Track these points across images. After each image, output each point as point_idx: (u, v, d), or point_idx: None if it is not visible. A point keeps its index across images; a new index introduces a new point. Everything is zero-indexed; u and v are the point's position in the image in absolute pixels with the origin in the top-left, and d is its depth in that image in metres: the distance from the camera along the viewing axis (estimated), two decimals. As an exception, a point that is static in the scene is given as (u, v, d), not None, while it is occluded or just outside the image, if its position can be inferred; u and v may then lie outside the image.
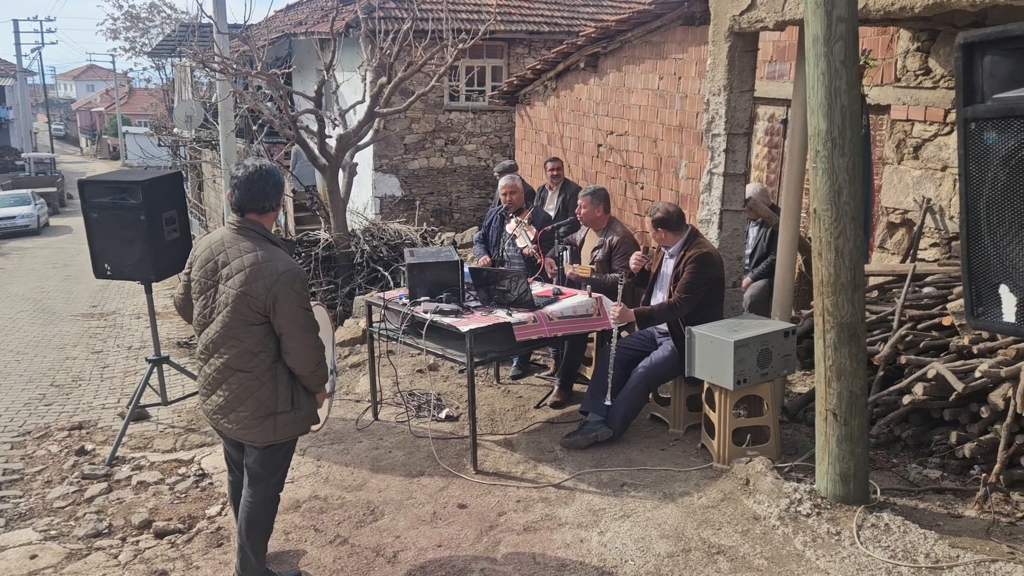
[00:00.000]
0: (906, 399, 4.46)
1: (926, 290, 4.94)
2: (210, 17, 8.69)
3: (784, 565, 3.58)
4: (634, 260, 5.02)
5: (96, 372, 8.47)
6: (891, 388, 4.61)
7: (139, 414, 6.03)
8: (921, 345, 4.61)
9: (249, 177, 3.24)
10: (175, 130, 19.45)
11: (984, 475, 4.03)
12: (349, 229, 9.57)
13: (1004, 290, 1.99)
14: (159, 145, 20.20)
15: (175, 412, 6.38)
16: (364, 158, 12.31)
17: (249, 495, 3.43)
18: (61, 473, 5.31)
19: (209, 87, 18.24)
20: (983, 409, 4.19)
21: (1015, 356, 4.06)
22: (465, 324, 4.59)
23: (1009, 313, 1.99)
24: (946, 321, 4.58)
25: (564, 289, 5.29)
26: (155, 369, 5.83)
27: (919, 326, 4.71)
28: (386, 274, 9.01)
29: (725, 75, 5.06)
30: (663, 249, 5.01)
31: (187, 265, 3.35)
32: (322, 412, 3.98)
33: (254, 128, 13.00)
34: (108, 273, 5.52)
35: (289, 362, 3.20)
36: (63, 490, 4.96)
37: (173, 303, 3.56)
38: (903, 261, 5.64)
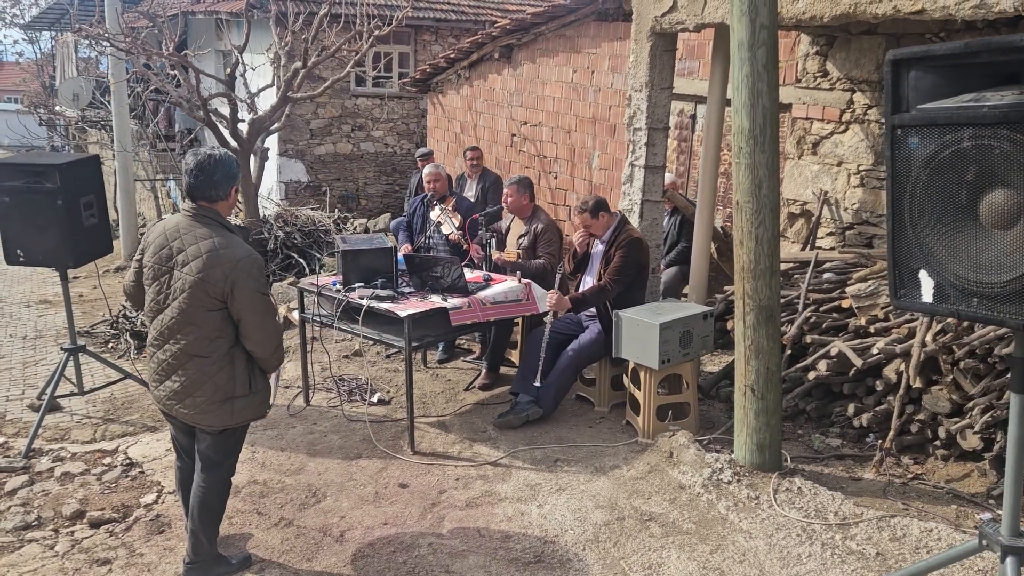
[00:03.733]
0: (811, 375, 4.88)
1: (826, 275, 5.38)
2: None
3: (711, 528, 3.89)
4: (579, 240, 5.20)
5: (-9, 363, 8.05)
6: (797, 365, 5.02)
7: (51, 405, 5.82)
8: (824, 326, 5.05)
9: (198, 165, 3.25)
10: (57, 108, 18.41)
11: (880, 442, 4.48)
12: (260, 215, 9.43)
13: (923, 275, 2.31)
14: (40, 124, 19.05)
15: (89, 402, 6.18)
16: (269, 143, 12.10)
17: (202, 480, 3.46)
18: (-27, 467, 5.09)
19: (96, 64, 17.34)
20: (878, 383, 4.65)
21: (907, 335, 4.53)
22: (403, 309, 4.71)
23: (927, 295, 2.31)
24: (845, 304, 5.03)
25: (493, 275, 5.47)
26: (71, 359, 5.65)
27: (821, 308, 5.15)
28: (300, 260, 8.94)
29: (647, 73, 5.35)
30: (593, 236, 5.26)
31: (139, 251, 3.34)
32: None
33: (149, 111, 12.54)
34: (21, 260, 5.31)
35: (249, 346, 3.25)
36: (-21, 484, 4.78)
37: (123, 289, 3.53)
38: (803, 249, 6.10)
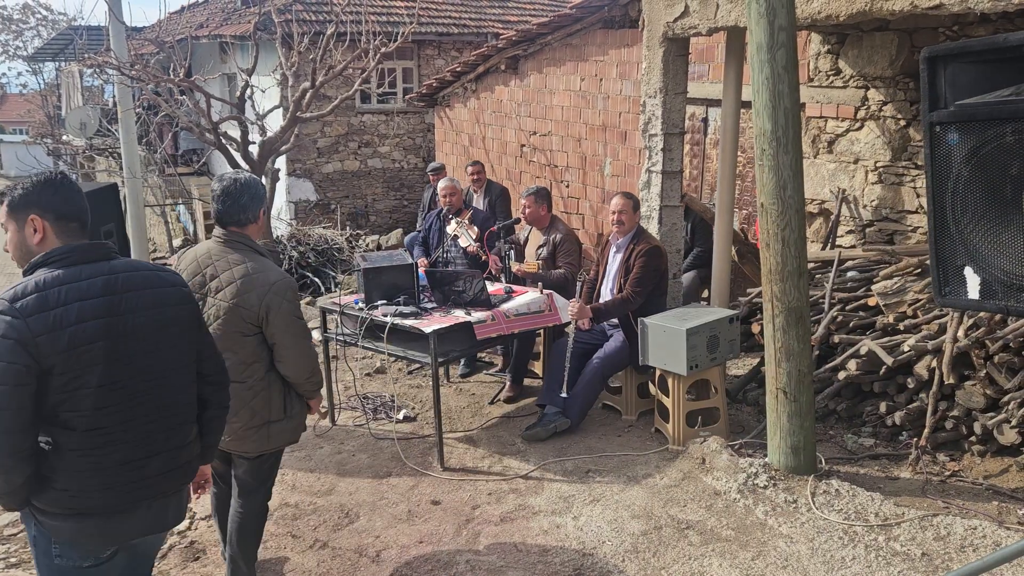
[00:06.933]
0: (841, 375, 4.85)
1: (850, 274, 5.35)
2: (119, 20, 8.35)
3: (750, 534, 3.86)
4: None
5: (13, 395, 8.09)
6: (825, 366, 4.99)
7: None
8: (851, 325, 5.01)
9: (225, 190, 3.25)
10: (64, 137, 18.53)
11: (915, 439, 4.44)
12: (274, 236, 9.44)
13: (968, 272, 2.29)
14: (48, 154, 19.15)
15: (114, 430, 6.19)
16: (278, 163, 12.13)
17: (239, 505, 3.44)
18: (4, 500, 5.09)
19: (101, 92, 17.43)
20: (909, 380, 4.61)
21: (937, 331, 4.49)
22: (427, 325, 4.69)
23: (973, 292, 2.29)
24: (872, 302, 5.00)
25: (515, 287, 5.45)
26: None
27: (847, 307, 5.12)
28: (315, 280, 8.94)
29: (660, 78, 5.34)
30: (610, 241, 5.25)
31: (170, 279, 3.33)
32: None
33: (153, 135, 12.58)
34: (44, 290, 5.32)
35: (283, 371, 3.24)
36: (12, 517, 4.77)
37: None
38: (823, 248, 6.07)
